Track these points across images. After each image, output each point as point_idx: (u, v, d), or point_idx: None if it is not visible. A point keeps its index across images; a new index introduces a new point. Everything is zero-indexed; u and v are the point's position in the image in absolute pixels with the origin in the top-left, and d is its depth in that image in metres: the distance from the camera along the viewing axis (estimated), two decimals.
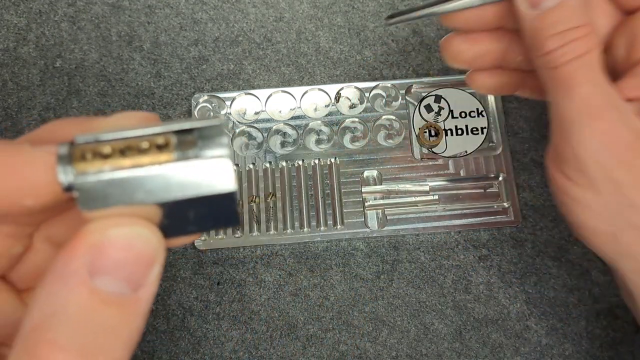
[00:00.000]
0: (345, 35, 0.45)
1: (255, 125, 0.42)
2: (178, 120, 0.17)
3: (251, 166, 0.41)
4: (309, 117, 0.42)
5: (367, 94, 0.43)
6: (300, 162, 0.41)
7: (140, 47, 0.44)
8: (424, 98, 0.43)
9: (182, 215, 0.17)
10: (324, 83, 0.44)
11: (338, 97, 0.43)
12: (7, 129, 0.42)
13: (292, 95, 0.43)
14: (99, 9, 0.45)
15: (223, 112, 0.42)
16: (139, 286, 0.16)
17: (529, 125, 0.43)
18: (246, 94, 0.43)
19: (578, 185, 0.26)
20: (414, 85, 0.43)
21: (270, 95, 0.43)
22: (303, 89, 0.43)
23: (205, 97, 0.42)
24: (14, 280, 0.20)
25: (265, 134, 0.42)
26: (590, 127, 0.25)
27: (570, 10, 0.25)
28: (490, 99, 0.43)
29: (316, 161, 0.41)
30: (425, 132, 0.42)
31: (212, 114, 0.42)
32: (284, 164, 0.41)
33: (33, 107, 0.43)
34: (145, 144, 0.17)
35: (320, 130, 0.42)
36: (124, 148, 0.17)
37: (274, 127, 0.42)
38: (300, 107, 0.42)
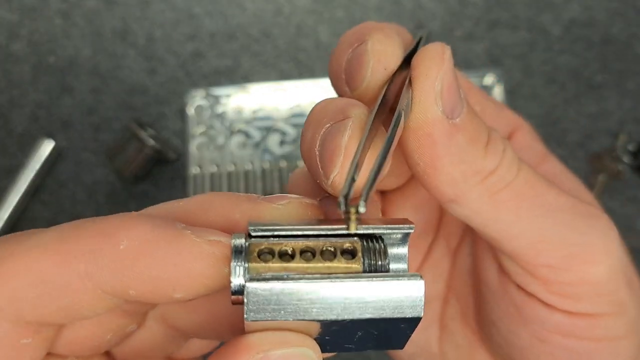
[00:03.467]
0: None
1: (252, 123, 0.41)
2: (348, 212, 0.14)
3: (249, 166, 0.40)
4: None
5: None
6: (300, 162, 0.40)
7: (134, 43, 0.43)
8: None
9: (347, 334, 0.15)
10: (324, 79, 0.43)
11: None
12: None
13: (291, 92, 0.42)
14: (92, 4, 0.44)
15: (220, 110, 0.41)
16: None
17: (535, 122, 0.42)
18: (243, 90, 0.42)
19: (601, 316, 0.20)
20: None
21: (269, 92, 0.42)
22: (303, 85, 0.42)
23: (201, 94, 0.42)
24: (115, 353, 0.20)
25: (263, 133, 0.41)
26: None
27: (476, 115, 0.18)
28: (494, 95, 0.42)
29: None
30: None
31: (209, 115, 0.41)
32: (283, 164, 0.40)
33: (25, 105, 0.42)
34: (329, 247, 0.14)
35: None
36: (305, 249, 0.14)
37: (272, 125, 0.41)
38: (299, 105, 0.41)
